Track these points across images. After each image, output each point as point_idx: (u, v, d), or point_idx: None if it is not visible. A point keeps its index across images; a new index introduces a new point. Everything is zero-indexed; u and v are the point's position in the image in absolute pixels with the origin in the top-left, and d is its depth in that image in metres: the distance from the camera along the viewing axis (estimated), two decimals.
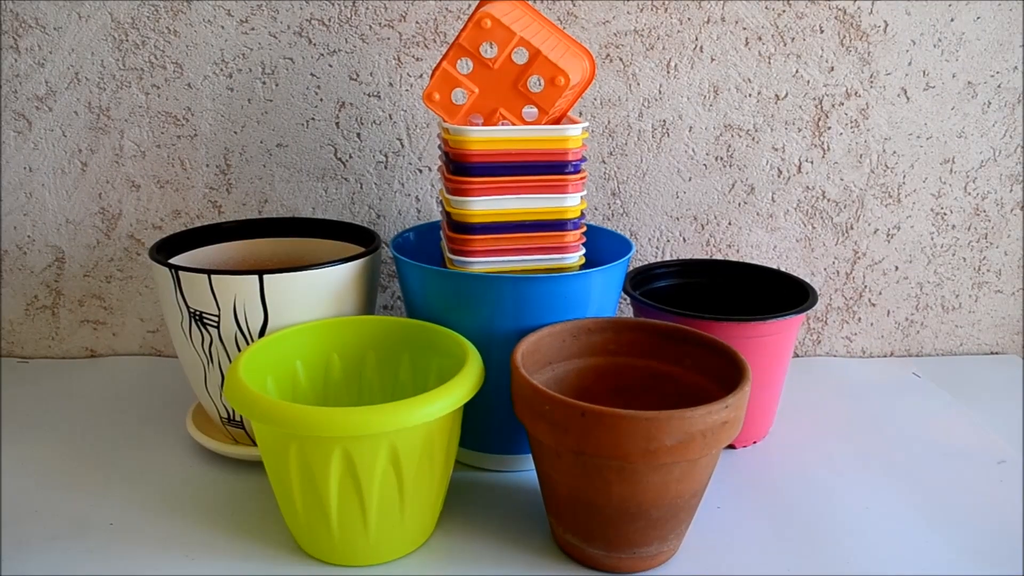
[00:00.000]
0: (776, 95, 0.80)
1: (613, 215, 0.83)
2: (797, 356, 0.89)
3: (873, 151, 0.82)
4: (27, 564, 0.52)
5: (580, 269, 0.63)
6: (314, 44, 0.77)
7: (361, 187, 0.82)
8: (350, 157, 0.81)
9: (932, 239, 0.86)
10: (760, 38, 0.78)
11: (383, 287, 0.85)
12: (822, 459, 0.67)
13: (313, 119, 0.79)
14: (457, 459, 0.62)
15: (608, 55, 0.78)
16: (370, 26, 0.77)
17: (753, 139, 0.81)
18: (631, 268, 0.76)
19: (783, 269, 0.84)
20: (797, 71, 0.79)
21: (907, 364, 0.87)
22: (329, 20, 0.76)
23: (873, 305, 0.87)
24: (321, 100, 0.79)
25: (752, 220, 0.84)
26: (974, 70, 0.80)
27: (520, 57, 0.58)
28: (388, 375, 0.63)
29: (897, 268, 0.86)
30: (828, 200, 0.84)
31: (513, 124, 0.59)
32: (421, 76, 0.78)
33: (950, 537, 0.57)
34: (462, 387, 0.51)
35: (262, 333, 0.60)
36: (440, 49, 0.78)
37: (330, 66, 0.78)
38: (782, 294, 0.73)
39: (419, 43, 0.77)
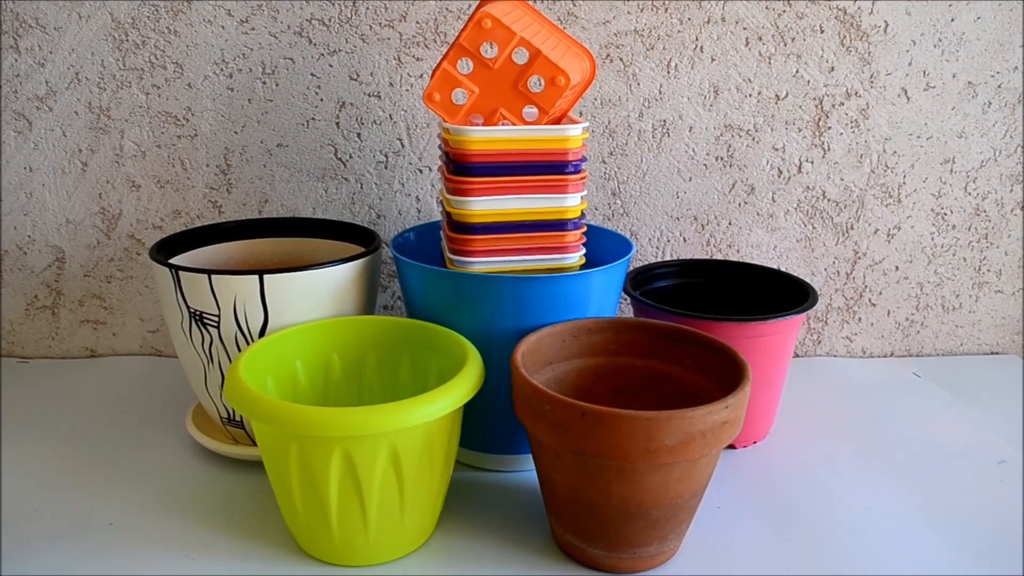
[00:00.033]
0: (776, 95, 0.80)
1: (613, 215, 0.83)
2: (797, 356, 0.89)
3: (873, 151, 0.82)
4: (27, 564, 0.52)
5: (580, 269, 0.63)
6: (314, 44, 0.77)
7: (361, 187, 0.82)
8: (350, 157, 0.81)
9: (932, 239, 0.86)
10: (760, 38, 0.78)
11: (383, 287, 0.85)
12: (822, 459, 0.67)
13: (313, 119, 0.79)
14: (457, 459, 0.62)
15: (608, 55, 0.78)
16: (370, 26, 0.77)
17: (753, 139, 0.81)
18: (631, 268, 0.76)
19: (783, 269, 0.84)
20: (797, 71, 0.79)
21: (907, 364, 0.87)
22: (329, 20, 0.76)
23: (873, 305, 0.87)
24: (321, 100, 0.79)
25: (752, 220, 0.84)
26: (974, 70, 0.80)
27: (520, 57, 0.58)
28: (388, 375, 0.63)
29: (897, 268, 0.86)
30: (828, 200, 0.84)
31: (513, 124, 0.59)
32: (421, 76, 0.78)
33: (950, 537, 0.57)
34: (462, 387, 0.51)
35: (262, 333, 0.60)
36: (440, 49, 0.78)
37: (330, 66, 0.78)
38: (782, 294, 0.73)
39: (419, 43, 0.77)
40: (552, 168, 0.59)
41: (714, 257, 0.85)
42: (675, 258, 0.83)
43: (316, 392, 0.62)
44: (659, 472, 0.48)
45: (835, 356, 0.89)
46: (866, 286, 0.87)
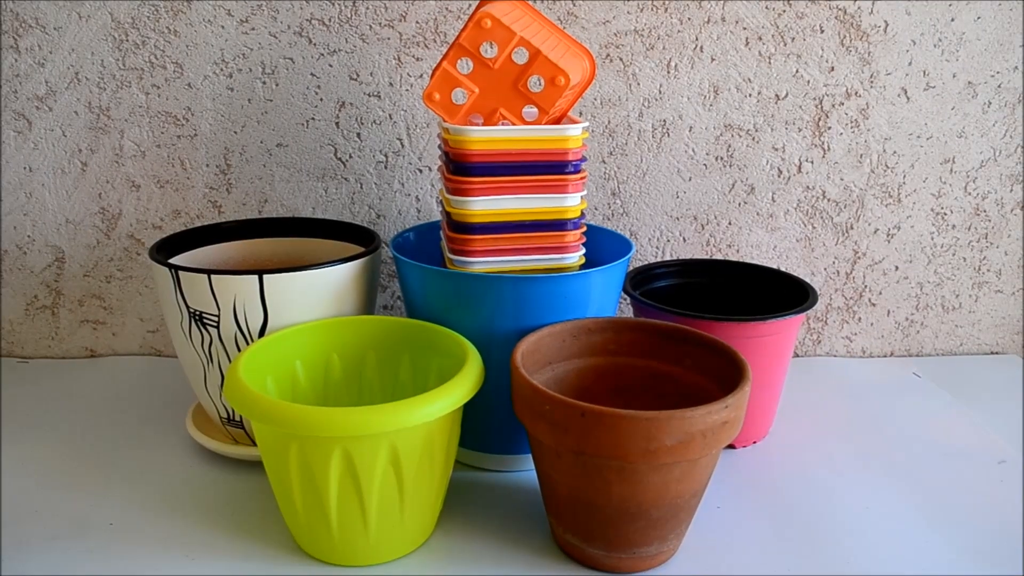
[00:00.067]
0: (776, 95, 0.80)
1: (613, 215, 0.83)
2: (797, 356, 0.89)
3: (873, 151, 0.82)
4: (27, 564, 0.52)
5: (580, 269, 0.63)
6: (314, 44, 0.77)
7: (361, 187, 0.82)
8: (350, 157, 0.81)
9: (932, 239, 0.86)
10: (760, 38, 0.78)
11: (383, 287, 0.85)
12: (822, 459, 0.67)
13: (313, 119, 0.79)
14: (457, 459, 0.62)
15: (608, 55, 0.78)
16: (370, 26, 0.77)
17: (753, 139, 0.81)
18: (631, 268, 0.76)
19: (783, 269, 0.84)
20: (797, 71, 0.79)
21: (907, 364, 0.87)
22: (329, 20, 0.76)
23: (873, 305, 0.87)
24: (321, 100, 0.79)
25: (752, 220, 0.84)
26: (974, 70, 0.80)
27: (520, 57, 0.58)
28: (388, 375, 0.63)
29: (897, 268, 0.86)
30: (828, 200, 0.84)
31: (513, 124, 0.59)
32: (421, 76, 0.78)
33: (950, 537, 0.57)
34: (462, 387, 0.51)
35: (262, 333, 0.60)
36: (440, 49, 0.78)
37: (330, 66, 0.78)
38: (782, 294, 0.73)
39: (419, 43, 0.77)
40: (552, 168, 0.59)
41: (714, 257, 0.85)
42: (675, 258, 0.83)
43: (316, 392, 0.62)
44: (659, 472, 0.48)
45: (835, 356, 0.89)
46: (866, 286, 0.87)
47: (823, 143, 0.82)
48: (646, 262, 0.85)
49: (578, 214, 0.61)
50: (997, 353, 0.90)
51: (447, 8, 0.76)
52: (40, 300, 0.84)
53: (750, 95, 0.80)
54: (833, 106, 0.81)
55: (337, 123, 0.79)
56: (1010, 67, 0.80)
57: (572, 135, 0.59)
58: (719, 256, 0.85)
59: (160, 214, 0.82)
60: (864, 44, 0.79)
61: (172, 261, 0.64)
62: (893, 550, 0.55)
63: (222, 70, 0.77)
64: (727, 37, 0.78)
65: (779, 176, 0.83)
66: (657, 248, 0.85)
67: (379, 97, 0.79)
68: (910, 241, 0.85)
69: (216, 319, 0.59)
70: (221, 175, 0.81)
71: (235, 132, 0.79)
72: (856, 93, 0.80)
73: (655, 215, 0.83)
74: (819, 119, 0.81)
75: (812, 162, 0.82)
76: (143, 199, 0.81)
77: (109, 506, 0.59)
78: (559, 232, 0.61)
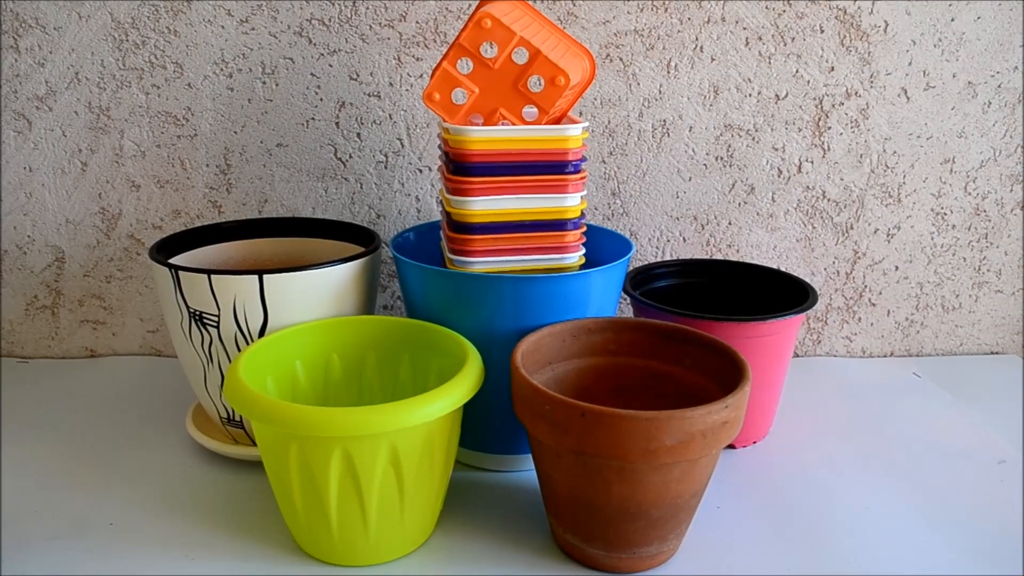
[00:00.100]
0: (776, 95, 0.80)
1: (613, 215, 0.83)
2: (797, 356, 0.89)
3: (873, 151, 0.82)
4: (27, 564, 0.52)
5: (580, 269, 0.63)
6: (314, 44, 0.77)
7: (361, 187, 0.82)
8: (350, 157, 0.81)
9: (932, 239, 0.86)
10: (760, 38, 0.78)
11: (383, 287, 0.85)
12: (822, 459, 0.67)
13: (313, 119, 0.79)
14: (457, 459, 0.62)
15: (608, 55, 0.78)
16: (370, 26, 0.77)
17: (753, 139, 0.81)
18: (631, 268, 0.76)
19: (783, 269, 0.84)
20: (797, 71, 0.79)
21: (907, 364, 0.87)
22: (329, 20, 0.76)
23: (873, 305, 0.87)
24: (321, 100, 0.79)
25: (752, 220, 0.84)
26: (974, 70, 0.80)
27: (520, 57, 0.58)
28: (388, 375, 0.63)
29: (897, 268, 0.86)
30: (828, 200, 0.84)
31: (513, 124, 0.59)
32: (421, 76, 0.78)
33: (950, 537, 0.57)
34: (462, 387, 0.51)
35: (262, 333, 0.60)
36: (440, 49, 0.78)
37: (330, 66, 0.78)
38: (782, 294, 0.73)
39: (419, 43, 0.77)
40: (552, 168, 0.59)
41: (714, 257, 0.85)
42: (675, 258, 0.83)
43: (316, 392, 0.62)
44: (659, 472, 0.48)
45: (835, 356, 0.89)
46: (866, 286, 0.87)
47: (823, 143, 0.82)
48: (646, 262, 0.85)
49: (578, 214, 0.61)
50: (997, 353, 0.90)
51: (447, 8, 0.76)
52: (40, 300, 0.84)
53: (750, 95, 0.80)
54: (833, 106, 0.81)
55: (337, 123, 0.79)
56: (1010, 67, 0.80)
57: (572, 135, 0.59)
58: (719, 256, 0.85)
59: (160, 214, 0.82)
60: (864, 44, 0.79)
61: (172, 261, 0.64)
62: (893, 550, 0.55)
63: (222, 70, 0.77)
64: (727, 37, 0.78)
65: (779, 176, 0.83)
66: (657, 248, 0.85)
67: (379, 97, 0.79)
68: (910, 241, 0.85)
69: (216, 319, 0.59)
70: (221, 175, 0.81)
71: (235, 132, 0.79)
72: (856, 93, 0.80)
73: (655, 215, 0.83)
74: (819, 119, 0.81)
75: (812, 162, 0.82)
76: (143, 199, 0.81)
77: (109, 506, 0.59)
78: (559, 232, 0.61)
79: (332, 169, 0.81)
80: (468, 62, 0.58)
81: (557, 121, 0.63)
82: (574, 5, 0.77)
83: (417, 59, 0.78)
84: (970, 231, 0.85)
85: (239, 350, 0.60)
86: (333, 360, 0.62)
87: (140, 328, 0.85)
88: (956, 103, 0.81)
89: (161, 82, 0.78)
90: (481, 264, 0.60)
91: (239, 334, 0.60)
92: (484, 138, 0.57)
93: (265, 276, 0.58)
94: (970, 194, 0.84)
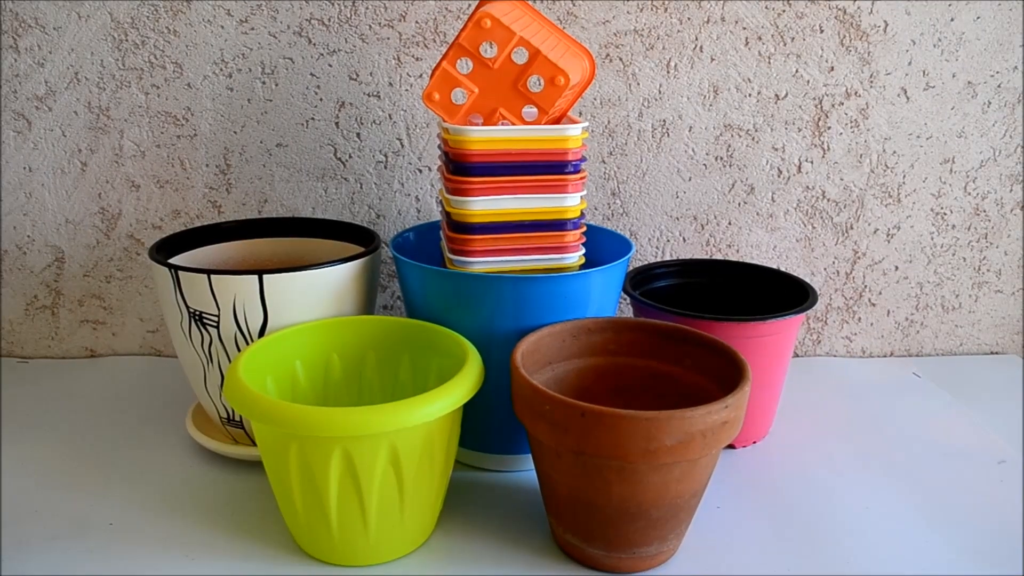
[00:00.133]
0: (776, 95, 0.80)
1: (613, 215, 0.83)
2: (797, 356, 0.89)
3: (873, 151, 0.82)
4: (27, 564, 0.52)
5: (580, 269, 0.63)
6: (314, 44, 0.77)
7: (361, 187, 0.82)
8: (350, 157, 0.81)
9: (932, 239, 0.86)
10: (760, 38, 0.78)
11: (383, 287, 0.85)
12: (822, 459, 0.67)
13: (313, 119, 0.79)
14: (457, 459, 0.62)
15: (608, 55, 0.78)
16: (370, 26, 0.77)
17: (753, 139, 0.81)
18: (631, 268, 0.76)
19: (783, 269, 0.84)
20: (797, 71, 0.79)
21: (907, 364, 0.87)
22: (329, 20, 0.76)
23: (873, 305, 0.87)
24: (321, 100, 0.79)
25: (752, 220, 0.84)
26: (974, 70, 0.80)
27: (520, 57, 0.58)
28: (388, 375, 0.63)
29: (897, 268, 0.86)
30: (828, 200, 0.84)
31: (513, 124, 0.59)
32: (421, 76, 0.78)
33: (950, 537, 0.57)
34: (462, 387, 0.51)
35: (262, 333, 0.60)
36: (440, 49, 0.78)
37: (330, 66, 0.78)
38: (782, 294, 0.73)
39: (419, 43, 0.77)
40: (552, 168, 0.59)
41: (714, 257, 0.85)
42: (675, 258, 0.83)
43: (316, 392, 0.62)
44: (659, 472, 0.48)
45: (835, 356, 0.89)
46: (866, 286, 0.87)
47: (823, 143, 0.82)
48: (646, 262, 0.85)
49: (578, 214, 0.61)
50: (997, 353, 0.90)
51: (447, 8, 0.76)
52: (40, 300, 0.84)
53: (750, 95, 0.80)
54: (833, 106, 0.81)
55: (337, 123, 0.79)
56: (1010, 67, 0.80)
57: (572, 135, 0.59)
58: (719, 256, 0.85)
59: (160, 214, 0.82)
60: (864, 44, 0.79)
61: (172, 261, 0.64)
62: (893, 550, 0.55)
63: (222, 70, 0.77)
64: (727, 37, 0.78)
65: (779, 176, 0.83)
66: (657, 248, 0.85)
67: (379, 97, 0.79)
68: (910, 241, 0.85)
69: (216, 319, 0.59)
70: (221, 175, 0.81)
71: (235, 132, 0.79)
72: (856, 93, 0.80)
73: (655, 215, 0.83)
74: (819, 119, 0.81)
75: (812, 162, 0.82)
76: (143, 199, 0.81)
77: (109, 506, 0.59)
78: (559, 232, 0.61)
79: (332, 169, 0.81)
80: (468, 62, 0.58)
81: (557, 121, 0.63)
82: (574, 5, 0.77)
83: (417, 59, 0.78)
84: (970, 231, 0.85)
85: (239, 350, 0.60)
86: (333, 360, 0.62)
87: (140, 328, 0.85)
88: (956, 103, 0.81)
89: (161, 82, 0.78)
90: (481, 264, 0.60)
91: (239, 334, 0.60)
92: (484, 138, 0.57)
93: (265, 276, 0.58)
94: (970, 194, 0.84)
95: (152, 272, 0.70)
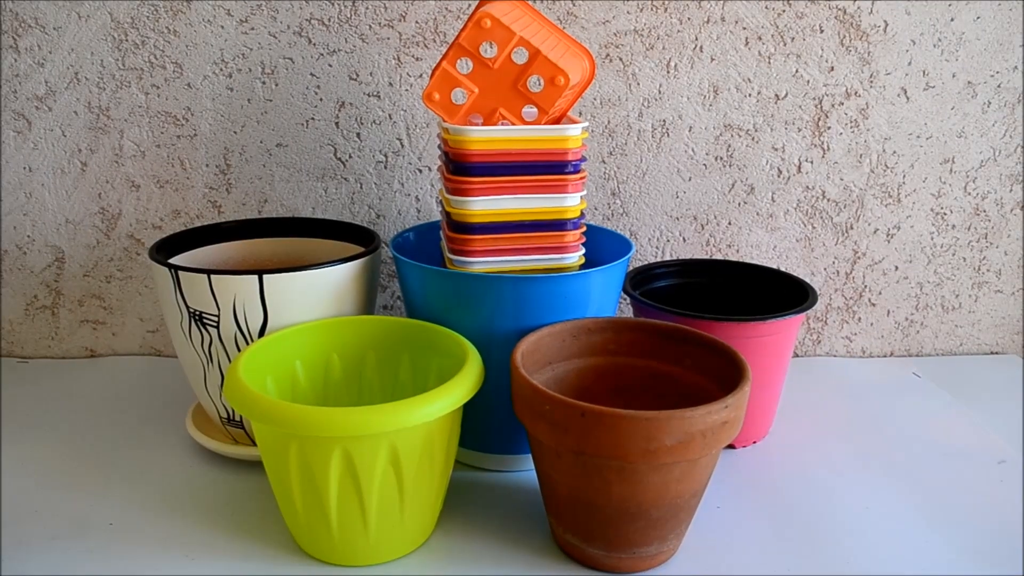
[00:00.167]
0: (776, 95, 0.80)
1: (613, 215, 0.83)
2: (797, 356, 0.89)
3: (873, 151, 0.82)
4: (27, 564, 0.52)
5: (580, 269, 0.63)
6: (314, 44, 0.77)
7: (361, 187, 0.82)
8: (350, 157, 0.81)
9: (932, 239, 0.86)
10: (760, 38, 0.78)
11: (383, 287, 0.85)
12: (822, 459, 0.67)
13: (313, 119, 0.79)
14: (457, 459, 0.62)
15: (608, 55, 0.78)
16: (370, 26, 0.77)
17: (753, 139, 0.81)
18: (631, 268, 0.76)
19: (783, 269, 0.84)
20: (797, 71, 0.79)
21: (907, 364, 0.87)
22: (329, 20, 0.76)
23: (873, 305, 0.87)
24: (321, 100, 0.79)
25: (752, 220, 0.84)
26: (974, 70, 0.80)
27: (520, 57, 0.58)
28: (388, 375, 0.63)
29: (897, 268, 0.86)
30: (828, 200, 0.84)
31: (513, 124, 0.59)
32: (421, 76, 0.78)
33: (950, 537, 0.57)
34: (462, 387, 0.51)
35: (262, 333, 0.60)
36: (440, 49, 0.78)
37: (330, 66, 0.78)
38: (782, 294, 0.73)
39: (419, 43, 0.77)
40: (552, 168, 0.59)
41: (714, 257, 0.85)
42: (675, 258, 0.83)
43: (316, 392, 0.62)
44: (659, 472, 0.48)
45: (835, 356, 0.89)
46: (866, 286, 0.87)
47: (823, 143, 0.82)
48: (646, 262, 0.85)
49: (578, 214, 0.61)
50: (997, 353, 0.90)
51: (447, 8, 0.76)
52: (40, 300, 0.84)
53: (750, 95, 0.80)
54: (833, 106, 0.81)
55: (337, 123, 0.79)
56: (1010, 67, 0.80)
57: (572, 135, 0.59)
58: (719, 256, 0.85)
59: (160, 214, 0.82)
60: (864, 44, 0.79)
61: (172, 261, 0.64)
62: (893, 550, 0.55)
63: (222, 70, 0.77)
64: (727, 37, 0.78)
65: (779, 176, 0.83)
66: (657, 248, 0.85)
67: (379, 97, 0.79)
68: (910, 241, 0.85)
69: (216, 319, 0.59)
70: (221, 175, 0.81)
71: (235, 132, 0.79)
72: (856, 93, 0.80)
73: (655, 215, 0.83)
74: (819, 119, 0.81)
75: (812, 162, 0.82)
76: (143, 199, 0.81)
77: (109, 506, 0.59)
78: (559, 232, 0.61)
79: (332, 169, 0.81)
80: (468, 62, 0.58)
81: (557, 121, 0.63)
82: (574, 5, 0.77)
83: (417, 59, 0.78)
84: (970, 231, 0.86)
85: (239, 350, 0.60)
86: (333, 360, 0.62)
87: (140, 328, 0.85)
88: (956, 103, 0.81)
89: (161, 82, 0.78)
90: (481, 264, 0.60)
91: (239, 334, 0.60)
92: (484, 138, 0.57)
93: (265, 276, 0.58)
94: (970, 194, 0.84)
95: (152, 272, 0.70)
